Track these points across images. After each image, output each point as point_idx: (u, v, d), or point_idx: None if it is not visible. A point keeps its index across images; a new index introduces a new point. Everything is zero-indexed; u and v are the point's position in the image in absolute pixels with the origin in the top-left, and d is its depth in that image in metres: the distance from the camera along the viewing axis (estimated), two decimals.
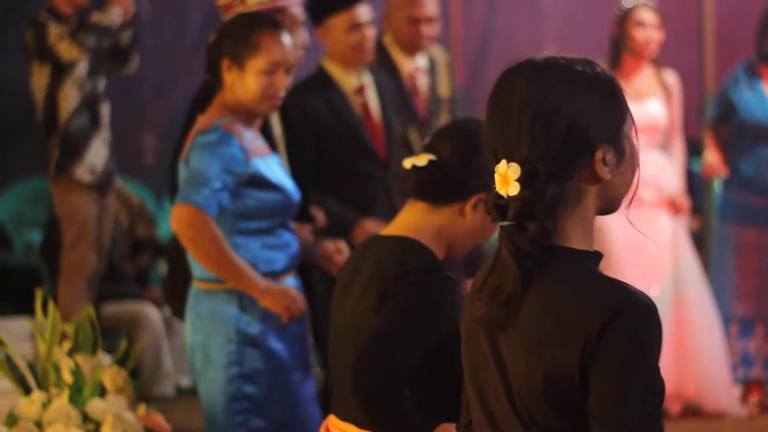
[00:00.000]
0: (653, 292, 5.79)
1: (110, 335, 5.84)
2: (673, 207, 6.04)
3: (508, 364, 1.92)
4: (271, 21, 3.85)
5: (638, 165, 1.98)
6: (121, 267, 6.84)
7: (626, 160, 1.94)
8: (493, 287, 1.91)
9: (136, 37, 6.22)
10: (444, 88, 5.80)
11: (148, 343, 6.21)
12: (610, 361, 1.83)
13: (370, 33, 4.89)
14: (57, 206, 6.10)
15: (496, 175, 1.91)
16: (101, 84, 6.09)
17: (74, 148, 5.98)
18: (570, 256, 1.91)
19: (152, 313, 6.50)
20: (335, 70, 4.91)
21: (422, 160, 2.79)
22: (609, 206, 1.96)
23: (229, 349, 3.73)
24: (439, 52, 5.77)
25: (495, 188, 1.91)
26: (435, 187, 2.79)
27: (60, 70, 5.96)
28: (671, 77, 6.12)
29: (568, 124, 1.88)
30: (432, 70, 5.74)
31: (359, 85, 4.94)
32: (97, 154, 6.02)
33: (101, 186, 6.05)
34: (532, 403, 1.90)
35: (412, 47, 5.51)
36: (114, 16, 5.93)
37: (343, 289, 2.88)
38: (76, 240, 5.96)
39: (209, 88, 3.93)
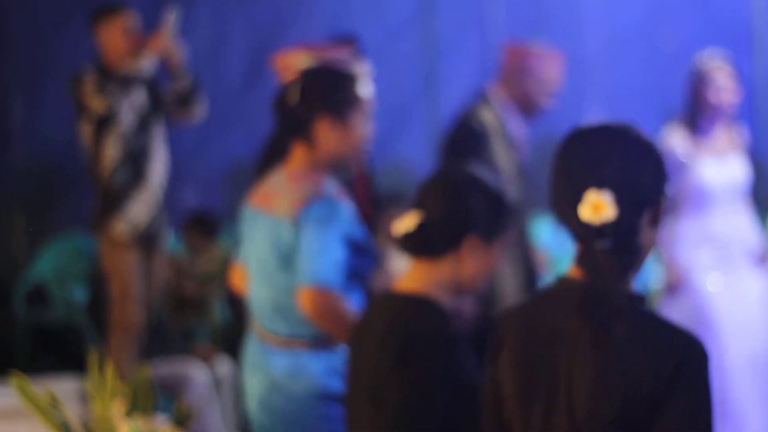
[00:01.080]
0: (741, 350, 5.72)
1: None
2: (757, 259, 5.99)
3: (575, 385, 2.14)
4: (352, 72, 3.83)
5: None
6: (167, 324, 6.75)
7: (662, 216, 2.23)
8: (592, 305, 2.10)
9: (197, 82, 6.15)
10: None
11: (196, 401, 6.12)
12: (681, 410, 2.07)
13: None
14: (102, 262, 6.04)
15: (583, 205, 2.12)
16: (153, 139, 6.03)
17: (114, 203, 5.94)
18: (629, 298, 2.15)
19: (199, 372, 6.38)
20: None
21: (410, 223, 2.94)
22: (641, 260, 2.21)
23: (319, 406, 3.67)
24: None
25: (579, 220, 2.13)
26: (429, 245, 2.94)
27: (102, 125, 5.93)
28: (742, 132, 6.10)
29: (647, 173, 2.18)
30: None
31: None
32: (140, 210, 5.96)
33: (146, 243, 5.98)
34: (597, 428, 2.11)
35: (534, 111, 5.52)
36: (143, 63, 5.89)
37: (360, 338, 3.04)
38: (122, 297, 5.89)
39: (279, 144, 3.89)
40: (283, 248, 3.69)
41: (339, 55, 4.67)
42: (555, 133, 8.15)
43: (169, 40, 5.98)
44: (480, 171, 3.03)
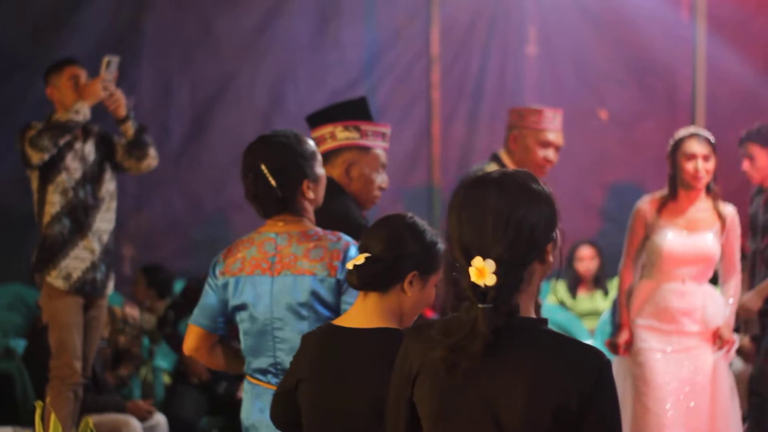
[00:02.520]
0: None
1: None
2: (716, 339, 5.85)
3: (498, 407, 2.38)
4: (296, 133, 4.08)
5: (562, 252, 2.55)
6: (103, 377, 6.72)
7: (558, 248, 2.51)
8: (464, 345, 2.40)
9: (143, 129, 6.17)
10: None
11: None
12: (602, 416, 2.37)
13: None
14: (43, 312, 6.04)
15: (471, 268, 2.41)
16: (100, 191, 6.06)
17: (49, 254, 5.95)
18: (533, 323, 2.45)
19: (134, 424, 6.37)
20: None
21: (360, 259, 3.26)
22: (543, 279, 2.52)
23: None
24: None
25: (469, 278, 2.41)
26: (377, 278, 3.25)
27: (44, 176, 5.95)
28: (729, 209, 5.98)
29: (531, 229, 2.43)
30: None
31: None
32: (75, 261, 5.96)
33: (84, 294, 5.97)
34: None
35: (536, 169, 5.74)
36: (73, 112, 5.90)
37: (327, 377, 3.21)
38: (59, 347, 5.87)
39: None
40: (318, 301, 3.87)
41: (381, 129, 4.80)
42: None
43: (106, 84, 6.00)
44: (417, 219, 3.36)
